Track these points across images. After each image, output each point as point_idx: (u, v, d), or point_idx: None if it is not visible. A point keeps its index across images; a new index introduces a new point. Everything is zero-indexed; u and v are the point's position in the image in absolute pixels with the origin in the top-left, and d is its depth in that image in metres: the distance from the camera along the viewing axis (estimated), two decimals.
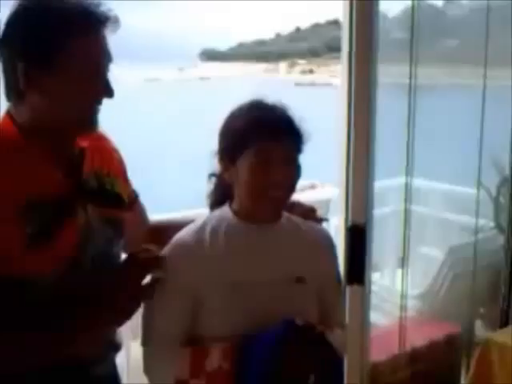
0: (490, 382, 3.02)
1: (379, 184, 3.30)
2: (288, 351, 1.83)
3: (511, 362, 2.90)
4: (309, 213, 2.19)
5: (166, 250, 1.98)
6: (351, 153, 2.69)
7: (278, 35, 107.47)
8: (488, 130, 3.60)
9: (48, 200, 1.78)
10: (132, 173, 2.20)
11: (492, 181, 4.25)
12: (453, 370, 3.74)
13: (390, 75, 3.19)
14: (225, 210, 2.04)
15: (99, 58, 1.82)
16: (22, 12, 1.77)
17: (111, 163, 2.06)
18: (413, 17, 2.96)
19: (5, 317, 1.72)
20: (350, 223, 2.71)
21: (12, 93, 1.82)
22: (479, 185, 3.72)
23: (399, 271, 4.66)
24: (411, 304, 3.72)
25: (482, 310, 4.16)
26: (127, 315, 1.86)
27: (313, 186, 6.19)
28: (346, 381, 2.76)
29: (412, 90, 3.02)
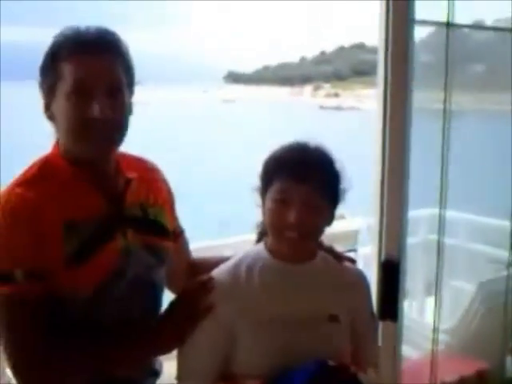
0: None
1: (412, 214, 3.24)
2: None
3: None
4: (339, 255, 2.18)
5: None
6: (385, 183, 2.64)
7: (303, 58, 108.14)
8: None
9: (87, 223, 1.89)
10: None
11: None
12: None
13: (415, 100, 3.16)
14: (260, 248, 2.05)
15: (90, 81, 1.85)
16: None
17: (158, 194, 2.13)
18: (447, 42, 2.92)
19: (46, 332, 1.82)
20: (383, 257, 2.64)
21: (49, 121, 1.94)
22: None
23: (428, 303, 4.61)
24: (440, 338, 3.66)
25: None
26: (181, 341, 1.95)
27: (342, 217, 6.16)
28: None
29: (447, 116, 2.96)
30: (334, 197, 2.00)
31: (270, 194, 1.94)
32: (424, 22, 2.82)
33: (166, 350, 1.99)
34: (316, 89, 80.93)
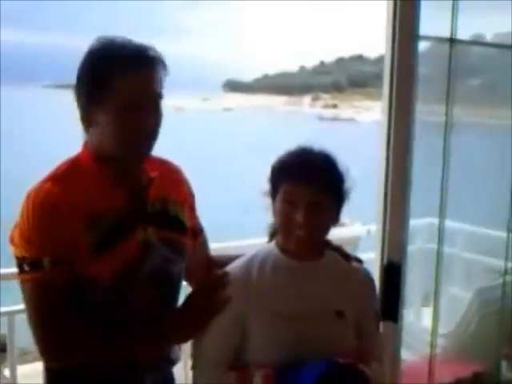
0: None
1: (413, 223, 3.34)
2: None
3: None
4: (346, 254, 2.30)
5: None
6: (389, 190, 2.76)
7: (303, 68, 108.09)
8: None
9: (110, 216, 2.05)
10: None
11: None
12: None
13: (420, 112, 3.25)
14: (272, 246, 2.18)
15: (139, 94, 2.01)
16: (83, 57, 2.04)
17: (179, 193, 2.27)
18: (450, 58, 3.03)
19: (69, 314, 1.99)
20: (386, 261, 2.76)
21: (83, 125, 2.08)
22: (510, 228, 3.75)
23: (424, 309, 4.70)
24: (438, 342, 3.77)
25: (506, 351, 4.18)
26: (199, 331, 2.09)
27: (342, 224, 6.26)
28: None
29: (448, 129, 3.08)
30: (339, 196, 2.13)
31: (279, 197, 2.08)
32: (428, 38, 2.92)
33: (184, 340, 2.18)
34: (315, 99, 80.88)
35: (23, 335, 3.21)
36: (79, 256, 1.98)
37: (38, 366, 2.44)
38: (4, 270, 3.75)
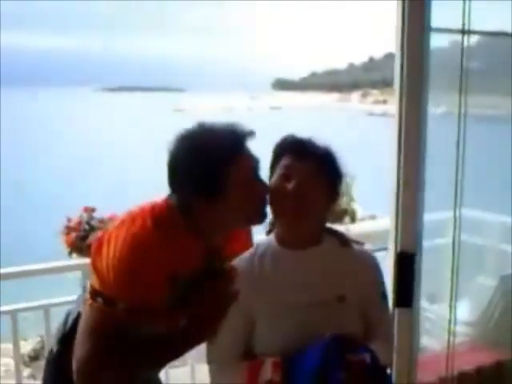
0: None
1: (441, 215, 3.38)
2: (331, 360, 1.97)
3: None
4: (345, 239, 2.34)
5: None
6: (401, 181, 2.81)
7: (351, 65, 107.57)
8: None
9: (186, 277, 2.15)
10: None
11: None
12: None
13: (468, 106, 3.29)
14: (270, 239, 2.25)
15: (253, 170, 2.17)
16: (180, 158, 2.13)
17: (236, 243, 2.36)
18: (462, 49, 3.06)
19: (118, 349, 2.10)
20: (399, 248, 2.82)
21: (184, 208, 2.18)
22: None
23: (459, 301, 4.72)
24: (465, 331, 3.80)
25: None
26: (218, 323, 2.18)
27: (372, 217, 6.30)
28: None
29: (462, 120, 3.11)
30: (334, 186, 2.19)
31: (276, 173, 2.16)
32: (440, 30, 2.95)
33: (204, 338, 2.22)
34: (364, 95, 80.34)
35: None
36: (153, 309, 2.10)
37: None
38: (4, 270, 3.86)
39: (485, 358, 3.77)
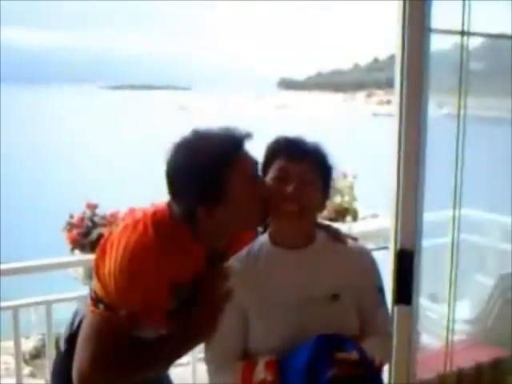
0: None
1: (444, 215, 3.40)
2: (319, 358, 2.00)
3: None
4: (336, 235, 2.36)
5: None
6: (401, 179, 2.83)
7: (356, 65, 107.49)
8: None
9: (187, 283, 2.19)
10: None
11: None
12: None
13: (471, 107, 3.30)
14: (264, 238, 2.27)
15: (253, 171, 2.18)
16: (179, 166, 2.13)
17: (239, 242, 2.36)
18: (461, 50, 3.08)
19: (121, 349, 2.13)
20: (398, 246, 2.84)
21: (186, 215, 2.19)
22: None
23: (459, 300, 4.75)
24: (464, 328, 3.84)
25: None
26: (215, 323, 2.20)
27: (374, 216, 6.32)
28: None
29: (461, 120, 3.13)
30: (327, 182, 2.23)
31: (271, 174, 2.18)
32: (439, 31, 2.97)
33: (203, 336, 2.24)
34: (369, 96, 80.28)
35: None
36: (155, 315, 2.16)
37: None
38: (4, 266, 3.88)
39: (483, 355, 3.79)
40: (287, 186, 2.12)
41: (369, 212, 6.10)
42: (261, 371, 2.07)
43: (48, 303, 3.90)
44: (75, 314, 2.43)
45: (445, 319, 4.05)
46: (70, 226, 4.78)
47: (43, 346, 5.69)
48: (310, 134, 2.26)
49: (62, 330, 2.49)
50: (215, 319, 2.18)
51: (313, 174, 2.16)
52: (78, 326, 2.28)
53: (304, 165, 2.15)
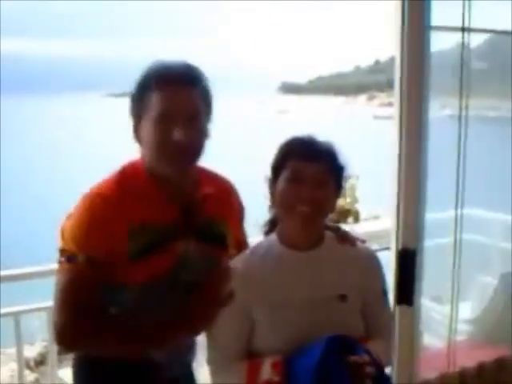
0: None
1: (449, 215, 3.40)
2: (330, 360, 1.97)
3: None
4: (345, 236, 2.33)
5: None
6: (402, 179, 2.83)
7: (357, 68, 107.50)
8: None
9: (155, 228, 2.15)
10: None
11: None
12: None
13: (475, 107, 3.30)
14: (272, 238, 2.24)
15: (173, 109, 2.11)
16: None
17: (229, 210, 2.38)
18: (463, 47, 3.08)
19: (100, 312, 2.13)
20: (400, 246, 2.84)
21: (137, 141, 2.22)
22: None
23: (462, 300, 4.74)
24: (467, 328, 3.83)
25: None
26: (208, 323, 2.18)
27: (376, 217, 6.34)
28: None
29: (463, 122, 3.13)
30: (339, 182, 2.20)
31: (284, 175, 2.14)
32: (439, 28, 2.96)
33: (195, 332, 2.24)
34: (370, 98, 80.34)
35: None
36: (117, 260, 2.10)
37: None
38: (4, 272, 3.85)
39: (486, 355, 3.78)
40: (301, 187, 2.10)
41: (370, 213, 6.11)
42: (267, 372, 2.05)
43: (50, 310, 3.87)
44: None
45: (447, 319, 4.05)
46: None
47: (48, 352, 5.67)
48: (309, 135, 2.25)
49: None
50: (212, 317, 2.16)
51: (327, 175, 2.14)
52: None
53: (318, 166, 2.12)
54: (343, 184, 2.24)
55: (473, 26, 3.09)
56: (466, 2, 3.01)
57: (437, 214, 3.36)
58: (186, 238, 2.20)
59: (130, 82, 2.17)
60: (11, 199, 23.32)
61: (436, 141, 2.99)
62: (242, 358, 2.15)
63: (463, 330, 3.70)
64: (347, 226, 5.29)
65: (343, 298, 2.16)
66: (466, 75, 3.15)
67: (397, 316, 2.85)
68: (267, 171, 2.23)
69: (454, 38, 3.16)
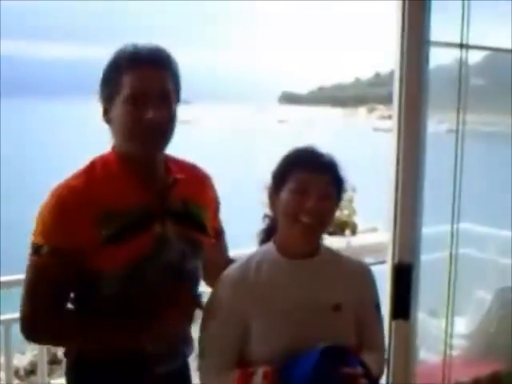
0: None
1: (443, 228, 3.40)
2: (324, 371, 1.97)
3: None
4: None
5: (216, 284, 2.23)
6: (399, 193, 2.83)
7: (358, 80, 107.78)
8: None
9: (127, 212, 2.15)
10: None
11: None
12: None
13: (473, 123, 3.31)
14: (269, 246, 2.24)
15: (145, 89, 2.12)
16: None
17: (204, 197, 2.38)
18: (460, 63, 3.09)
19: (79, 303, 2.19)
20: (396, 260, 2.84)
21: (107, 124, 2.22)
22: None
23: (458, 314, 4.74)
24: (462, 343, 3.83)
25: None
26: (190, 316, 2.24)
27: (373, 229, 6.35)
28: None
29: (459, 137, 3.14)
30: (340, 194, 2.21)
31: (288, 186, 2.13)
32: (438, 44, 2.97)
33: (184, 319, 2.25)
34: (370, 110, 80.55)
35: None
36: (88, 248, 2.09)
37: None
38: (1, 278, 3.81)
39: (481, 370, 3.79)
40: (306, 198, 2.11)
41: (368, 226, 6.12)
42: (258, 381, 2.04)
43: None
44: None
45: (443, 334, 4.05)
46: None
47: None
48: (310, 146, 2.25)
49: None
50: (188, 316, 2.23)
51: (331, 187, 2.15)
52: None
53: (324, 178, 2.13)
54: (342, 196, 2.25)
55: (471, 42, 3.11)
56: (465, 19, 3.02)
57: (433, 228, 3.36)
58: (162, 220, 2.21)
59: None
60: (11, 199, 23.26)
61: (433, 155, 3.00)
62: (233, 366, 2.14)
63: (459, 345, 3.70)
64: (344, 239, 5.31)
65: (337, 307, 2.16)
66: (464, 91, 3.16)
67: (393, 330, 2.84)
68: (266, 179, 2.23)
69: (453, 54, 3.17)
